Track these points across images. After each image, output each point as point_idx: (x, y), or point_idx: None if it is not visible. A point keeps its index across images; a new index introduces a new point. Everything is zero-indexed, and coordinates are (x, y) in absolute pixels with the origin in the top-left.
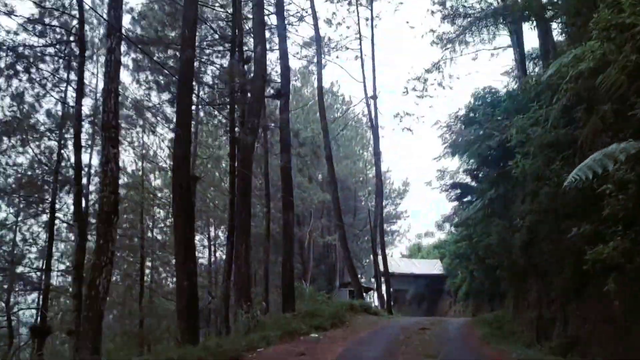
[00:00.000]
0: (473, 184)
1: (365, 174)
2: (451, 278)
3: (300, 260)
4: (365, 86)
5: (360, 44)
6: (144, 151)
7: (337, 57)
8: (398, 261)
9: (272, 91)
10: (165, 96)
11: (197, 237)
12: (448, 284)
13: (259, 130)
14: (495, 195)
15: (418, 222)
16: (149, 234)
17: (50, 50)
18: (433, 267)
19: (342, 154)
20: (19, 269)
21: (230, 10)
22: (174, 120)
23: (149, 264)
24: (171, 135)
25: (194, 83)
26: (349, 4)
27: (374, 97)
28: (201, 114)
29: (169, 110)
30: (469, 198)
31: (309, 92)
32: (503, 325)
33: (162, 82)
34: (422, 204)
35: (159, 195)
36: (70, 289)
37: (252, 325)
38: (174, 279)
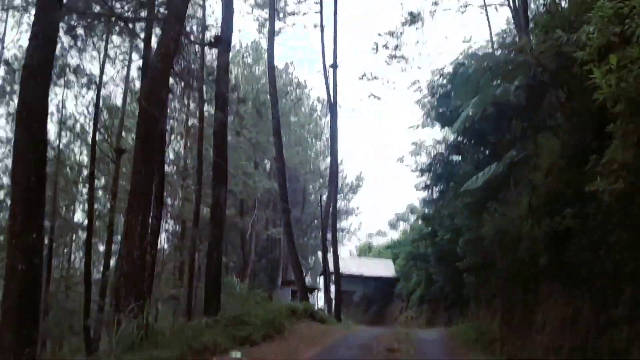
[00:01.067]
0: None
1: (317, 165)
2: (404, 281)
3: (241, 254)
4: (324, 54)
5: (321, 4)
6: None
7: (294, 24)
8: (347, 260)
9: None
10: None
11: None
12: (400, 287)
13: (176, 61)
14: (516, 159)
15: (369, 220)
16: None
17: None
18: (384, 268)
19: (293, 141)
20: None
21: None
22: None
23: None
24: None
25: None
26: None
27: (334, 65)
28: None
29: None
30: (440, 188)
31: (261, 70)
32: (492, 345)
33: None
34: (375, 201)
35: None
36: None
37: (138, 339)
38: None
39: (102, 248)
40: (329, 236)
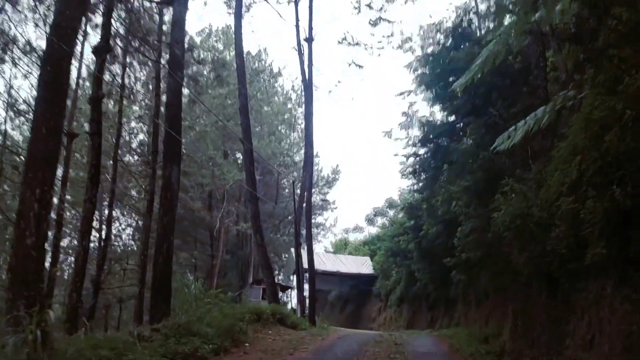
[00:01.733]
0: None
1: (292, 157)
2: (383, 279)
3: (210, 252)
4: (298, 28)
5: None
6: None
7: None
8: (322, 257)
9: None
10: None
11: None
12: (378, 286)
13: None
14: (570, 103)
15: (346, 216)
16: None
17: None
18: (362, 265)
19: (266, 132)
20: None
21: None
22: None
23: None
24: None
25: None
26: None
27: (309, 39)
28: None
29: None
30: (430, 174)
31: (232, 55)
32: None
33: None
34: (353, 195)
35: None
36: None
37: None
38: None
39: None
40: (304, 231)
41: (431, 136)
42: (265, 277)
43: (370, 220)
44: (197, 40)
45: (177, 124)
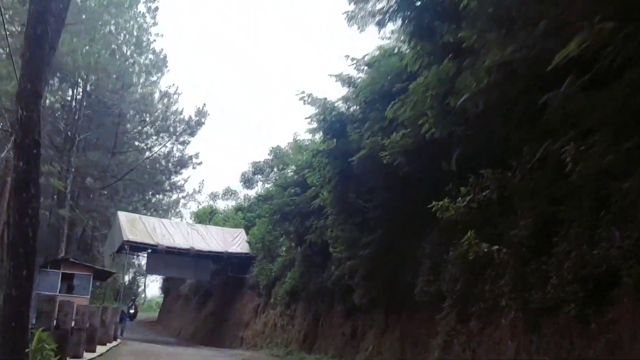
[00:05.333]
0: None
1: (145, 97)
2: (264, 260)
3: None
4: None
5: None
6: None
7: None
8: (169, 226)
9: None
10: None
11: None
12: (255, 272)
13: None
14: None
15: (215, 177)
16: None
17: None
18: (231, 240)
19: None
20: None
21: None
22: None
23: None
24: None
25: None
26: None
27: None
28: None
29: None
30: None
31: None
32: None
33: None
34: (223, 153)
35: None
36: None
37: None
38: None
39: None
40: None
41: None
42: None
43: (247, 181)
44: None
45: None
